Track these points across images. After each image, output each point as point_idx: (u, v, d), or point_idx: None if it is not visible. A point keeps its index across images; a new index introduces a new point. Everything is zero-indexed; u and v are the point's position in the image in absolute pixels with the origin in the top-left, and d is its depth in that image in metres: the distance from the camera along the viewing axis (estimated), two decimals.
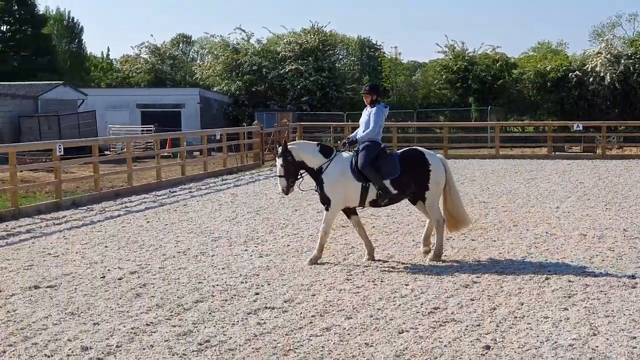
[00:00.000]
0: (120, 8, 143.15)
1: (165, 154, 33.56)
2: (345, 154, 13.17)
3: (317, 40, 58.68)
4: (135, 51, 71.27)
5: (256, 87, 57.67)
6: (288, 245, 14.79)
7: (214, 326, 9.48)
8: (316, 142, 13.59)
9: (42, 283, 11.78)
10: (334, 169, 12.82)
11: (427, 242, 13.50)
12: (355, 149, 13.16)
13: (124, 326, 9.46)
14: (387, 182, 12.80)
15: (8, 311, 10.20)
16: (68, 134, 42.54)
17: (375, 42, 68.59)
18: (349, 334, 9.08)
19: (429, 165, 13.01)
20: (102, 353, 8.46)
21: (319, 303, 10.49)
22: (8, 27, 66.48)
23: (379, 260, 13.25)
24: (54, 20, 77.35)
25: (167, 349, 8.58)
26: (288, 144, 13.15)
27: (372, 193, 12.88)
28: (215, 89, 58.78)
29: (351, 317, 9.79)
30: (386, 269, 12.68)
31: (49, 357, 8.35)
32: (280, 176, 13.00)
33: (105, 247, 14.88)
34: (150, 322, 9.63)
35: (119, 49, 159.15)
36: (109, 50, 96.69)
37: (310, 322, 9.59)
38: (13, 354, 8.43)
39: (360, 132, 13.23)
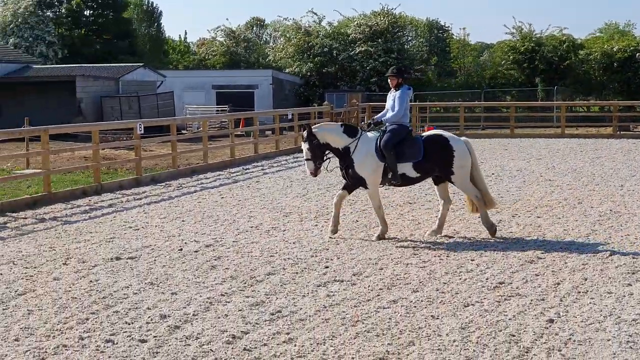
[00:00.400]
0: None
1: (239, 132, 33.75)
2: (371, 134, 13.12)
3: (386, 22, 58.35)
4: (211, 34, 72.08)
5: (327, 68, 57.60)
6: (356, 220, 14.81)
7: (285, 297, 9.56)
8: (340, 123, 13.81)
9: (123, 255, 12.01)
10: (361, 150, 12.78)
11: (440, 229, 13.23)
12: (383, 129, 13.15)
13: (200, 296, 9.61)
14: (409, 165, 12.81)
15: (91, 281, 10.43)
16: (147, 113, 43.05)
17: (443, 24, 67.76)
18: (415, 307, 9.09)
19: (452, 151, 12.87)
20: (180, 321, 8.61)
21: (387, 276, 10.51)
22: (91, 12, 67.53)
23: (446, 235, 13.20)
24: (134, 5, 78.20)
25: (240, 318, 8.69)
26: (312, 127, 13.09)
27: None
28: (287, 70, 58.90)
29: (417, 291, 9.78)
30: (452, 244, 12.64)
31: (129, 324, 8.52)
32: (307, 159, 12.99)
33: (183, 221, 15.10)
34: (225, 293, 9.76)
35: (195, 33, 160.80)
36: (186, 33, 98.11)
37: (378, 295, 9.62)
38: (95, 321, 8.62)
39: (388, 115, 13.13)
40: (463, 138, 13.52)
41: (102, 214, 16.18)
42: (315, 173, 13.04)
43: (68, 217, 15.75)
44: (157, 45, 78.90)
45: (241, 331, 8.23)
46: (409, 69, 13.58)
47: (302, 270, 10.91)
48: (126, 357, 7.48)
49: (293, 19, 62.58)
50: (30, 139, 25.01)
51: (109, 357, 7.50)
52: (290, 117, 32.85)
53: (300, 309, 9.05)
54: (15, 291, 9.91)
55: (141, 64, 52.10)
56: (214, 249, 12.45)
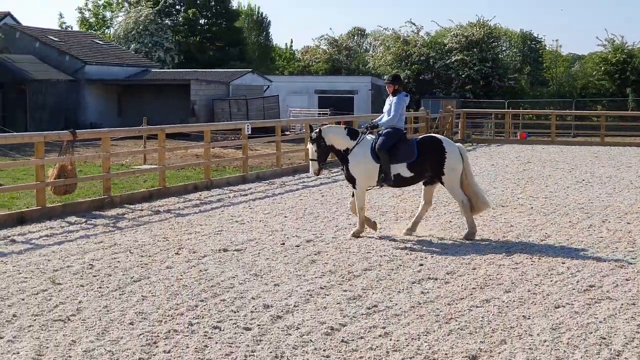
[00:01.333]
0: (303, 2, 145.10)
1: None
2: (369, 137, 13.05)
3: (482, 33, 57.62)
4: (315, 43, 72.57)
5: (423, 75, 57.30)
6: (450, 221, 14.58)
7: (381, 292, 9.44)
8: (344, 126, 13.60)
9: (230, 247, 12.09)
10: (358, 151, 12.74)
11: (414, 227, 13.18)
12: (378, 132, 13.03)
13: (301, 288, 9.58)
14: (403, 166, 12.72)
15: (200, 270, 10.52)
16: (254, 115, 43.49)
17: (537, 36, 66.53)
18: (507, 307, 8.84)
19: (444, 152, 12.76)
20: (282, 311, 8.59)
21: (479, 276, 10.27)
22: (206, 20, 68.63)
23: (538, 238, 12.86)
24: (245, 14, 79.18)
25: (338, 311, 8.61)
26: (321, 129, 12.94)
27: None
28: (385, 76, 58.69)
29: (510, 291, 9.53)
30: (543, 246, 12.29)
31: (235, 312, 8.55)
32: (312, 160, 12.90)
33: (285, 217, 15.12)
34: (324, 286, 9.70)
35: (301, 41, 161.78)
36: (292, 42, 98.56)
37: (471, 294, 9.41)
38: (204, 309, 8.67)
39: (384, 119, 13.04)
40: (457, 144, 13.39)
41: (211, 208, 16.35)
42: (318, 173, 13.23)
43: (180, 210, 15.98)
44: (265, 52, 79.69)
45: (339, 323, 8.15)
46: (400, 78, 13.20)
47: (398, 267, 10.78)
48: (232, 343, 7.49)
49: (392, 29, 62.42)
50: (148, 137, 25.57)
51: (216, 343, 7.52)
52: None
53: (396, 304, 8.92)
54: (131, 278, 10.07)
55: (250, 70, 52.69)
56: (314, 244, 12.41)
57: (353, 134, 12.97)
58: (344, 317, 8.41)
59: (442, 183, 13.06)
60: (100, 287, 9.56)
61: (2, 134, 22.21)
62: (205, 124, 32.66)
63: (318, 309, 8.69)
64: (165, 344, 7.45)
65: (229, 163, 24.17)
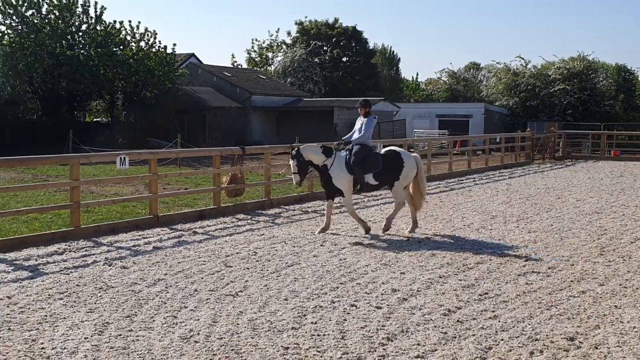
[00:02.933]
0: (428, 41, 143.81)
1: (456, 152, 33.20)
2: (342, 153, 12.76)
3: (582, 65, 55.31)
4: (437, 75, 71.97)
5: (530, 102, 55.58)
6: (551, 225, 14.06)
7: (491, 282, 9.24)
8: (319, 144, 13.10)
9: (364, 241, 12.13)
10: (337, 166, 12.56)
11: (415, 225, 12.96)
12: (348, 148, 12.75)
13: (423, 276, 9.50)
14: (370, 175, 12.58)
15: (340, 259, 10.60)
16: (385, 135, 43.48)
17: (630, 68, 63.47)
18: (601, 297, 8.47)
19: (403, 163, 12.73)
20: (407, 294, 8.54)
21: (577, 271, 9.87)
22: (347, 59, 69.10)
23: (628, 240, 12.23)
24: (380, 53, 79.22)
25: (454, 296, 8.49)
26: (299, 148, 12.71)
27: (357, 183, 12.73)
28: (497, 103, 57.38)
29: (603, 284, 9.11)
30: (633, 248, 11.67)
31: (368, 294, 8.57)
32: (294, 173, 12.71)
33: (409, 218, 14.98)
34: (442, 275, 9.58)
35: (425, 74, 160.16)
36: (417, 74, 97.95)
37: (569, 286, 9.06)
38: (343, 290, 8.74)
39: (355, 135, 12.80)
40: (414, 154, 13.31)
41: (345, 210, 16.38)
42: (300, 183, 12.98)
43: (324, 211, 16.09)
44: (395, 83, 79.54)
45: (455, 306, 8.03)
46: (370, 102, 12.79)
47: (506, 262, 10.50)
48: (366, 319, 7.52)
49: (504, 62, 60.99)
50: None
51: (353, 317, 7.56)
52: (498, 140, 31.95)
53: (504, 292, 8.71)
54: (286, 263, 10.26)
55: (382, 98, 52.65)
56: (434, 240, 12.28)
57: (327, 151, 12.72)
58: (459, 301, 8.28)
59: (392, 185, 12.91)
60: (261, 270, 9.81)
61: (187, 149, 23.11)
62: None
63: (437, 294, 8.60)
64: (313, 317, 7.56)
65: None
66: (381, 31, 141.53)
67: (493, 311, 7.87)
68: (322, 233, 12.74)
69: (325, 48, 68.76)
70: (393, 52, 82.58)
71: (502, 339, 6.91)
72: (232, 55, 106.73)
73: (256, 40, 72.40)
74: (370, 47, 72.82)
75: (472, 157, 28.91)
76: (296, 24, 70.11)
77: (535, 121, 50.13)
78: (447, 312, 7.79)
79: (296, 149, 12.65)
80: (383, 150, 13.14)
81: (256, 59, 70.61)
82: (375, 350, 6.57)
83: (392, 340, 6.85)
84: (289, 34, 70.30)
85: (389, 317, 7.58)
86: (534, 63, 71.08)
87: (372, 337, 6.93)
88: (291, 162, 12.73)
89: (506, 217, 15.12)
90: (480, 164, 29.95)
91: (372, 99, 51.26)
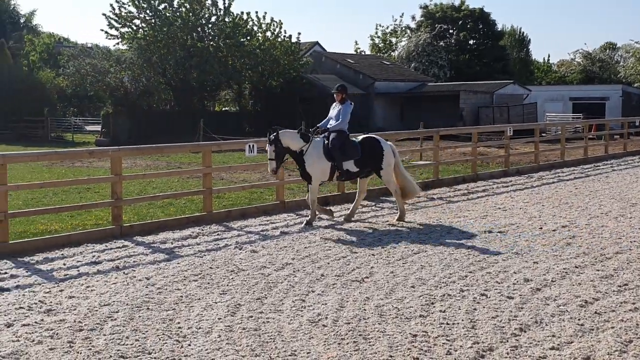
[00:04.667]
0: (560, 21, 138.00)
1: (591, 136, 31.75)
2: (319, 139, 12.16)
3: None
4: (570, 56, 69.09)
5: None
6: None
7: (632, 273, 8.78)
8: (297, 130, 12.18)
9: (494, 229, 11.84)
10: (312, 152, 11.98)
11: (352, 215, 12.78)
12: (325, 135, 12.19)
13: (557, 266, 9.16)
14: (351, 162, 12.17)
15: (468, 247, 10.42)
16: (515, 120, 42.24)
17: None
18: None
19: (382, 150, 12.42)
20: (540, 285, 8.27)
21: None
22: (474, 41, 67.47)
23: None
24: (508, 34, 76.80)
25: (592, 287, 8.14)
26: (278, 132, 11.83)
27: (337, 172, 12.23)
28: (636, 85, 54.46)
29: None
30: None
31: (499, 283, 8.36)
32: (270, 159, 11.81)
33: (542, 205, 14.52)
34: (578, 265, 9.20)
35: (557, 55, 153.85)
36: (549, 56, 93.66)
37: None
38: (472, 279, 8.57)
39: (332, 122, 12.26)
40: (389, 142, 12.81)
41: (477, 196, 16.12)
42: (276, 171, 12.07)
43: (451, 198, 15.92)
44: (524, 66, 76.88)
45: (592, 298, 7.70)
46: (346, 88, 11.94)
47: None
48: (497, 309, 7.35)
49: None
50: (424, 138, 25.75)
51: (483, 307, 7.42)
52: (637, 124, 30.30)
53: None
54: (412, 250, 10.20)
55: (511, 81, 51.17)
56: (569, 229, 11.80)
57: (304, 137, 12.06)
58: (596, 292, 7.93)
59: (379, 176, 12.65)
60: (387, 257, 9.80)
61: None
62: (474, 126, 32.19)
63: (573, 285, 8.27)
64: (441, 305, 7.48)
65: (492, 160, 23.68)
66: (510, 12, 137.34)
67: (633, 303, 7.48)
68: (331, 215, 12.63)
69: (451, 31, 67.54)
70: (523, 33, 79.88)
71: None
72: (356, 42, 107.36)
73: (380, 25, 72.31)
74: (499, 29, 70.83)
75: (609, 141, 27.53)
76: (421, 7, 69.32)
77: None
78: (583, 304, 7.48)
79: (274, 134, 11.83)
80: (360, 138, 12.71)
81: (379, 45, 70.45)
82: (507, 341, 6.41)
83: (525, 331, 6.67)
84: (413, 18, 69.70)
85: (522, 308, 7.37)
86: None
87: (503, 327, 6.77)
88: (268, 147, 11.86)
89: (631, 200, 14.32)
90: (618, 149, 28.45)
91: (500, 82, 49.93)
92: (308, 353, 6.14)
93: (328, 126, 12.31)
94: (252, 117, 44.99)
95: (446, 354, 6.10)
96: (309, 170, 12.05)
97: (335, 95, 12.53)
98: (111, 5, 42.78)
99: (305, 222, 12.24)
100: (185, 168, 21.82)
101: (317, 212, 12.45)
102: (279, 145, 11.78)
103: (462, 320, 6.98)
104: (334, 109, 12.46)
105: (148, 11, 42.90)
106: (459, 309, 7.32)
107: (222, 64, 42.14)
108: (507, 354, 6.11)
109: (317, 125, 12.47)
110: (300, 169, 12.19)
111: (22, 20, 67.88)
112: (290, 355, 6.09)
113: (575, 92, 53.85)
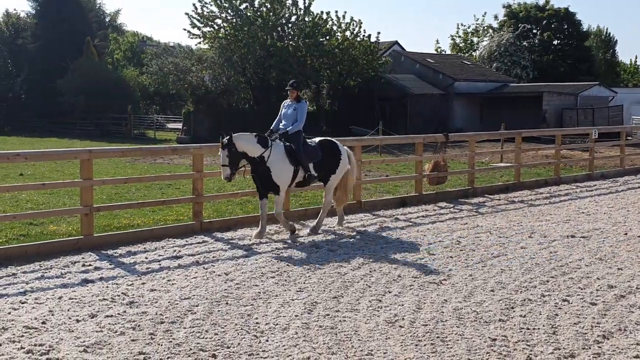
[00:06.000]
0: None
1: None
2: (279, 144, 10.99)
3: None
4: None
5: None
6: None
7: None
8: (254, 134, 10.92)
9: (577, 234, 11.54)
10: (276, 159, 10.80)
11: (341, 220, 12.23)
12: (282, 138, 11.08)
13: None
14: (311, 166, 11.22)
15: (550, 252, 10.19)
16: (600, 122, 40.97)
17: None
18: None
19: (340, 154, 11.65)
20: (625, 291, 8.02)
21: None
22: (559, 41, 65.73)
23: None
24: (594, 35, 74.58)
25: None
26: (233, 136, 10.60)
27: (299, 176, 11.21)
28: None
29: None
30: None
31: (581, 289, 8.14)
32: (224, 165, 10.56)
33: (628, 211, 14.06)
34: None
35: None
36: (636, 57, 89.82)
37: None
38: (554, 284, 8.39)
39: (284, 123, 11.26)
40: (345, 148, 11.99)
41: (559, 200, 15.74)
42: (230, 178, 10.70)
43: (532, 201, 15.58)
44: (610, 67, 74.45)
45: None
46: (301, 85, 11.06)
47: None
48: (579, 315, 7.16)
49: None
50: (505, 140, 25.28)
51: (565, 313, 7.23)
52: None
53: None
54: (491, 254, 10.05)
55: (597, 83, 49.64)
56: None
57: (263, 141, 10.84)
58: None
59: (327, 180, 11.63)
60: (466, 259, 9.69)
61: (390, 136, 23.38)
62: (557, 129, 31.42)
63: None
64: (521, 310, 7.35)
65: (576, 163, 23.03)
66: (597, 12, 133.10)
67: None
68: (258, 238, 11.01)
69: (534, 31, 65.98)
70: (609, 33, 77.42)
71: None
72: (436, 41, 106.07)
73: (461, 25, 71.13)
74: (584, 29, 68.73)
75: None
76: (504, 7, 68.02)
77: None
78: None
79: (228, 137, 10.60)
80: (317, 140, 11.73)
81: (460, 45, 69.46)
82: (589, 348, 6.25)
83: (608, 339, 6.48)
84: (496, 17, 68.40)
85: (605, 315, 7.17)
86: None
87: (586, 333, 6.60)
88: (221, 152, 10.62)
89: None
90: None
91: (585, 83, 48.49)
92: (385, 353, 6.14)
93: (287, 128, 11.21)
94: (329, 117, 45.17)
95: (526, 359, 6.00)
96: (277, 180, 10.90)
97: (289, 92, 11.53)
98: (194, 4, 43.71)
99: (289, 233, 11.37)
100: None
101: (286, 222, 11.44)
102: (232, 150, 10.56)
103: (543, 325, 6.83)
104: (288, 108, 11.41)
105: (229, 11, 43.62)
106: (540, 314, 7.18)
107: (300, 63, 42.47)
108: None
109: (271, 128, 11.43)
110: (263, 177, 10.92)
111: (107, 20, 70.12)
112: (367, 355, 6.11)
113: None
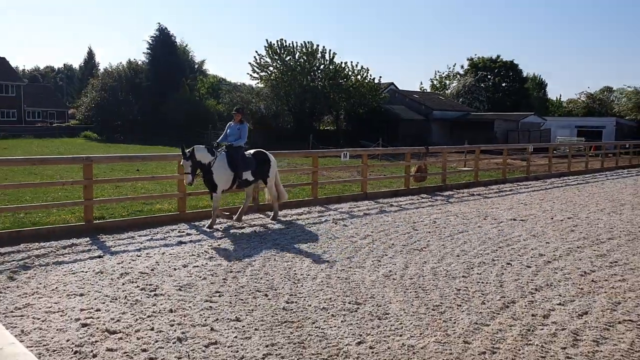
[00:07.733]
0: (570, 69, 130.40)
1: (591, 154, 29.84)
2: (223, 154, 9.90)
3: None
4: (576, 96, 65.35)
5: None
6: None
7: (620, 254, 8.25)
8: (205, 146, 9.92)
9: (517, 218, 11.32)
10: (219, 165, 9.75)
11: (240, 216, 10.39)
12: (226, 150, 9.96)
13: (563, 245, 8.72)
14: (249, 172, 10.12)
15: (499, 230, 10.02)
16: (534, 140, 40.41)
17: None
18: None
19: (270, 162, 10.54)
20: (551, 258, 7.89)
21: None
22: (505, 84, 64.51)
23: None
24: (531, 79, 72.99)
25: (589, 262, 7.71)
26: (194, 149, 9.53)
27: (237, 180, 10.04)
28: (626, 117, 50.81)
29: None
30: None
31: (520, 256, 8.03)
32: (186, 173, 9.40)
33: (553, 202, 13.78)
34: (579, 246, 8.72)
35: (566, 95, 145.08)
36: (560, 96, 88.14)
37: None
38: (501, 252, 8.27)
39: (234, 139, 10.09)
40: (271, 155, 10.66)
41: (505, 194, 15.49)
42: (192, 182, 9.38)
43: (486, 194, 15.36)
44: (542, 102, 72.89)
45: (590, 270, 7.30)
46: (244, 110, 10.49)
47: (633, 239, 9.31)
48: (519, 274, 7.05)
49: (634, 87, 53.77)
50: (468, 152, 24.95)
51: (509, 272, 7.13)
52: (627, 146, 28.22)
53: (631, 262, 7.75)
54: (457, 230, 9.93)
55: (532, 113, 48.86)
56: (573, 220, 11.18)
57: (212, 151, 9.84)
58: (593, 266, 7.51)
59: (265, 183, 10.63)
60: (439, 234, 9.60)
61: (387, 148, 23.16)
62: (504, 144, 30.95)
63: (575, 260, 7.85)
64: (478, 269, 7.28)
65: (517, 168, 22.65)
66: (533, 63, 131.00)
67: (622, 275, 7.04)
68: (230, 218, 10.33)
69: (489, 76, 65.16)
70: (542, 79, 76.00)
71: (630, 297, 6.16)
72: (420, 83, 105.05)
73: (438, 71, 70.75)
74: (524, 75, 67.69)
75: (604, 158, 25.82)
76: (468, 59, 67.33)
77: None
78: (583, 274, 7.10)
79: (189, 150, 9.53)
80: (252, 151, 10.61)
81: (437, 85, 68.84)
82: (525, 297, 6.17)
83: (539, 291, 6.40)
84: (462, 67, 67.67)
85: (537, 274, 7.08)
86: None
87: (523, 287, 6.52)
88: (185, 162, 9.49)
89: (634, 205, 13.38)
90: (611, 164, 26.62)
91: (524, 113, 47.68)
92: (382, 297, 6.13)
93: (233, 142, 10.20)
94: (345, 134, 45.04)
95: (481, 304, 5.94)
96: (216, 180, 9.84)
97: (234, 115, 10.42)
98: (254, 57, 43.92)
99: (207, 225, 9.93)
100: (299, 168, 22.12)
101: (218, 216, 10.25)
102: (193, 160, 9.49)
103: (493, 280, 6.77)
104: (233, 128, 10.31)
105: (278, 61, 43.74)
106: (491, 273, 7.11)
107: (326, 97, 42.42)
108: (526, 306, 5.88)
109: (217, 141, 10.40)
110: (208, 179, 9.87)
111: (195, 66, 70.60)
112: (370, 298, 6.10)
113: (580, 122, 50.75)
